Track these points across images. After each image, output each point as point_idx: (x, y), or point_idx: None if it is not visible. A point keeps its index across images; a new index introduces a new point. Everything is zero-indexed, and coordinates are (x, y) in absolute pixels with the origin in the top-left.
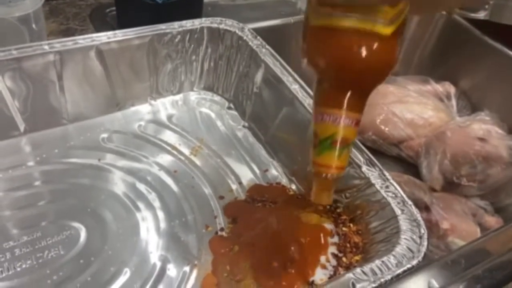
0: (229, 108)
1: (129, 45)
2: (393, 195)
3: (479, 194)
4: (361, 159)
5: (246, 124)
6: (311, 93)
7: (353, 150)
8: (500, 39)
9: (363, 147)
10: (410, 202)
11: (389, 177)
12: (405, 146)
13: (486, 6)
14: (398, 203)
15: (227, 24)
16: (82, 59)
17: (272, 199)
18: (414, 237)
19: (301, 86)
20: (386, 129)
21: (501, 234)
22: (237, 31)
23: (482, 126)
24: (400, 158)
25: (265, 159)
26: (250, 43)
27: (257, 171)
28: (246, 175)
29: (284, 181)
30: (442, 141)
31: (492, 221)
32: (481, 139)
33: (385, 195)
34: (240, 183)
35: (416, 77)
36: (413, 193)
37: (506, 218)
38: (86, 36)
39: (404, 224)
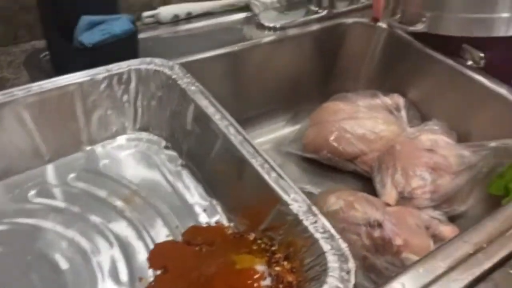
0: (166, 147)
1: (57, 94)
2: (322, 230)
3: (432, 205)
4: (290, 195)
5: (184, 163)
6: (240, 129)
7: (283, 186)
8: (440, 49)
9: (291, 184)
10: (338, 236)
11: (317, 212)
12: (360, 162)
13: (424, 19)
14: (327, 238)
15: (157, 63)
16: (8, 112)
17: (209, 241)
18: (342, 273)
19: (231, 123)
20: (340, 146)
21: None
22: (166, 71)
23: (430, 137)
24: (358, 174)
25: (204, 198)
26: (179, 81)
27: (196, 211)
28: (184, 217)
29: (223, 219)
30: (393, 155)
31: (447, 230)
32: (429, 150)
33: (313, 231)
34: (177, 226)
35: (365, 92)
36: (366, 212)
37: (462, 226)
38: (6, 91)
39: (332, 259)
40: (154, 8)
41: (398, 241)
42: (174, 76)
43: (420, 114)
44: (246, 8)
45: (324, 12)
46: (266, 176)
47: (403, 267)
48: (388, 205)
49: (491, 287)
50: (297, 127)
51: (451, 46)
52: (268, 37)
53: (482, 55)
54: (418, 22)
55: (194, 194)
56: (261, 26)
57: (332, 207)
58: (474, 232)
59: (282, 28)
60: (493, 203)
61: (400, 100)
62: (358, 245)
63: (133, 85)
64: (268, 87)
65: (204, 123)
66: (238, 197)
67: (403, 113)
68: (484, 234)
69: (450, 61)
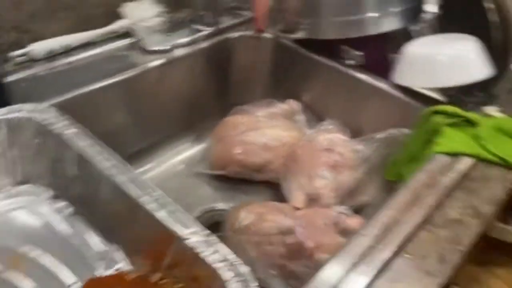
0: (54, 197)
1: None
2: (222, 259)
3: (337, 201)
4: (188, 228)
5: (74, 210)
6: (127, 167)
7: (180, 220)
8: (324, 52)
9: (188, 216)
10: (238, 261)
11: (215, 241)
12: (268, 170)
13: (303, 26)
14: (229, 265)
15: (28, 109)
16: None
17: None
18: None
19: (116, 162)
20: (246, 158)
21: None
22: (38, 116)
23: (327, 137)
24: (268, 182)
25: (101, 245)
26: (54, 126)
27: (94, 261)
28: (81, 271)
29: (125, 264)
30: (295, 160)
31: (354, 222)
32: (327, 150)
33: (213, 262)
34: (75, 283)
35: (262, 102)
36: (276, 221)
37: (368, 215)
38: None
39: (235, 287)
40: (24, 46)
41: (309, 244)
42: (48, 121)
43: (315, 116)
44: (128, 34)
45: (209, 30)
46: (160, 213)
47: (316, 269)
48: (298, 209)
49: (393, 274)
50: (203, 145)
51: (332, 48)
52: (156, 61)
53: (360, 53)
54: (299, 30)
55: (90, 243)
56: (147, 51)
57: (244, 222)
58: (371, 224)
59: (169, 50)
60: (392, 189)
61: (296, 105)
62: (274, 254)
63: (3, 136)
64: (167, 110)
65: (88, 166)
66: (136, 238)
67: (300, 117)
68: (380, 225)
69: (333, 63)
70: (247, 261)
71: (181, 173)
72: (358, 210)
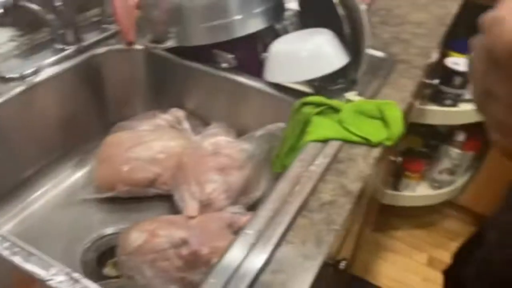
0: None
1: None
2: None
3: (230, 203)
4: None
5: None
6: None
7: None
8: (197, 59)
9: (46, 258)
10: None
11: (78, 277)
12: (159, 184)
13: (171, 35)
14: None
15: None
16: None
17: None
18: None
19: None
20: (134, 175)
21: None
22: None
23: (212, 141)
24: (162, 195)
25: None
26: None
27: None
28: None
29: None
30: (183, 169)
31: (247, 220)
32: (214, 154)
33: None
34: None
35: (143, 116)
36: (169, 234)
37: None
38: None
39: None
40: None
41: (205, 251)
42: None
43: (201, 122)
44: None
45: (73, 48)
46: (14, 258)
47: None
48: (192, 218)
49: (277, 265)
50: (86, 169)
51: (205, 53)
52: (17, 88)
53: (231, 56)
54: (168, 39)
55: None
56: (4, 79)
57: (136, 242)
58: (253, 221)
59: (31, 74)
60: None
61: (180, 113)
62: (171, 269)
63: None
64: (40, 137)
65: None
66: None
67: (185, 124)
68: (261, 220)
69: (208, 68)
70: (145, 282)
71: (66, 202)
72: (252, 207)
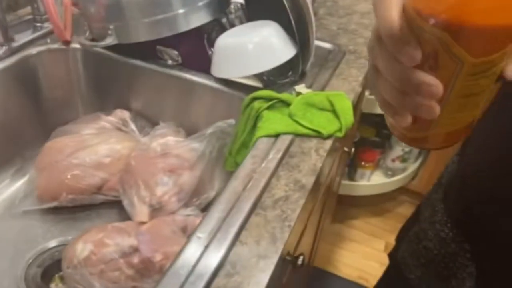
0: None
1: None
2: None
3: (182, 205)
4: None
5: None
6: None
7: None
8: (140, 56)
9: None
10: None
11: None
12: (106, 190)
13: (110, 32)
14: None
15: None
16: None
17: None
18: None
19: None
20: (78, 182)
21: None
22: None
23: (160, 141)
24: (111, 202)
25: None
26: None
27: None
28: None
29: None
30: (131, 172)
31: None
32: (163, 155)
33: None
34: None
35: (86, 118)
36: (118, 243)
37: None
38: None
39: None
40: None
41: (157, 257)
42: None
43: (148, 122)
44: None
45: (3, 49)
46: None
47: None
48: (143, 223)
49: (230, 267)
50: (25, 179)
51: (148, 50)
52: None
53: (176, 52)
54: (107, 36)
55: None
56: None
57: (82, 254)
58: (204, 224)
59: None
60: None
61: (125, 114)
62: (122, 279)
63: None
64: None
65: None
66: None
67: (132, 126)
68: (213, 221)
69: (152, 65)
70: None
71: (5, 215)
72: (207, 208)
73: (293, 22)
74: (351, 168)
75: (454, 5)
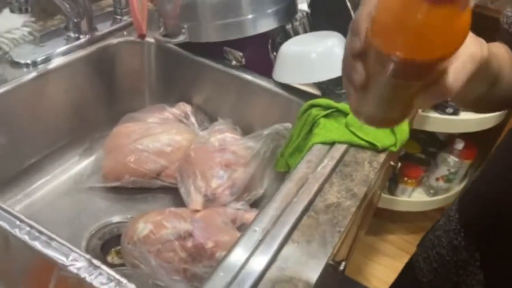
0: None
1: None
2: (107, 281)
3: (234, 198)
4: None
5: None
6: None
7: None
8: (207, 55)
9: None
10: (124, 281)
11: (98, 264)
12: (164, 176)
13: (183, 30)
14: (115, 286)
15: None
16: None
17: None
18: None
19: None
20: (141, 166)
21: None
22: None
23: (218, 137)
24: (167, 187)
25: None
26: None
27: None
28: None
29: None
30: (190, 163)
31: (251, 217)
32: (220, 150)
33: (98, 285)
34: None
35: (152, 108)
36: (175, 226)
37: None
38: None
39: None
40: None
41: (209, 244)
42: None
43: (207, 117)
44: None
45: (86, 37)
46: (35, 243)
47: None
48: (197, 211)
49: (282, 262)
50: (92, 158)
51: (215, 50)
52: (29, 74)
53: (241, 54)
54: (180, 34)
55: None
56: (17, 64)
57: (142, 232)
58: (260, 219)
59: (44, 61)
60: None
61: (187, 108)
62: (176, 260)
63: None
64: (49, 125)
65: None
66: (15, 272)
67: (192, 119)
68: (269, 218)
69: (217, 65)
70: (150, 271)
71: (72, 189)
72: (254, 204)
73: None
74: (393, 182)
75: (396, 49)
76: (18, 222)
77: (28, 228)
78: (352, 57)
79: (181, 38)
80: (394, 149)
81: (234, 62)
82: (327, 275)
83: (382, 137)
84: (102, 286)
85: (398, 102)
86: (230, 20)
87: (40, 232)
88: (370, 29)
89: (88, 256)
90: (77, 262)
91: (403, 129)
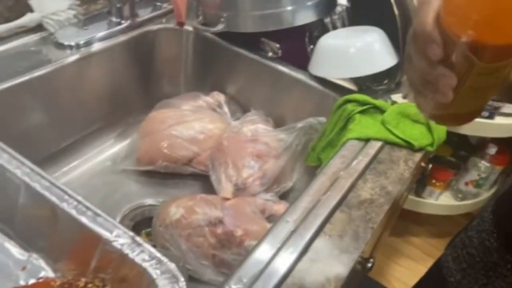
0: None
1: None
2: (149, 258)
3: (263, 189)
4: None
5: None
6: (43, 174)
7: (102, 224)
8: (244, 45)
9: (110, 219)
10: (165, 260)
11: (141, 241)
12: (196, 163)
13: (222, 19)
14: (156, 264)
15: None
16: None
17: None
18: None
19: (31, 169)
20: (174, 152)
21: None
22: None
23: (251, 127)
24: (198, 174)
25: (20, 254)
26: None
27: (14, 272)
28: (3, 283)
29: (48, 272)
30: (222, 151)
31: (280, 208)
32: (252, 140)
33: (140, 261)
34: None
35: (187, 95)
36: (205, 212)
37: (293, 199)
38: None
39: (162, 284)
40: None
41: (239, 232)
42: None
43: (240, 107)
44: (38, 28)
45: (127, 22)
46: (82, 218)
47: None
48: (226, 199)
49: (314, 254)
50: (127, 141)
51: (252, 41)
52: (72, 56)
53: (278, 46)
54: (218, 23)
55: (8, 254)
56: (61, 46)
57: (174, 216)
58: (292, 211)
59: (86, 44)
60: (313, 174)
61: (221, 97)
62: (205, 245)
63: None
64: (87, 107)
65: (0, 175)
66: (59, 245)
67: (225, 108)
68: (301, 209)
69: (253, 55)
70: (179, 254)
71: (107, 170)
72: (283, 196)
73: (400, 31)
74: (421, 184)
75: (471, 28)
76: (66, 197)
77: (75, 203)
78: (433, 66)
79: (220, 27)
80: (430, 148)
81: (270, 54)
82: (355, 271)
83: (419, 136)
84: (144, 263)
85: (485, 91)
86: (269, 11)
87: (87, 208)
88: (454, 24)
89: (131, 233)
90: (120, 239)
91: (440, 129)
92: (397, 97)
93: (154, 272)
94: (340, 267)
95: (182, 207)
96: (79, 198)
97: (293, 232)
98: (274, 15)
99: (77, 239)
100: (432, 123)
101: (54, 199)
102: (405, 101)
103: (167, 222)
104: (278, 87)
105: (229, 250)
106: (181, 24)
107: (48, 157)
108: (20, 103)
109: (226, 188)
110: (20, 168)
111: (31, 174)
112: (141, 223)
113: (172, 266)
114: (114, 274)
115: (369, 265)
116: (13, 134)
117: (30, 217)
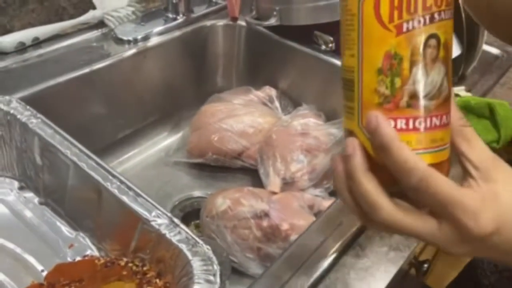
0: (21, 188)
1: None
2: (186, 240)
3: (312, 184)
4: (152, 212)
5: (42, 200)
6: (91, 154)
7: (143, 204)
8: (297, 38)
9: (150, 200)
10: (201, 242)
11: (178, 222)
12: (245, 157)
13: (275, 13)
14: (192, 246)
15: None
16: None
17: (76, 278)
18: (210, 277)
19: (80, 150)
20: (223, 145)
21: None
22: (2, 107)
23: (301, 121)
24: (246, 168)
25: (69, 233)
26: (19, 116)
27: (62, 249)
28: (50, 259)
29: (93, 250)
30: (271, 145)
31: (328, 204)
32: (302, 134)
33: (177, 242)
34: (42, 270)
35: (238, 90)
36: (252, 205)
37: None
38: None
39: (197, 266)
40: None
41: (284, 226)
42: (12, 112)
43: (291, 102)
44: (100, 24)
45: (183, 18)
46: (123, 197)
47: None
48: (274, 193)
49: (360, 250)
50: (180, 134)
51: (305, 34)
52: (130, 50)
53: (331, 38)
54: (271, 17)
55: (58, 232)
56: (120, 41)
57: (221, 207)
58: (339, 202)
59: (143, 39)
60: None
61: (272, 92)
62: (250, 238)
63: None
64: (143, 100)
65: (52, 154)
66: (103, 224)
67: (277, 103)
68: None
69: (306, 49)
70: (225, 246)
71: (159, 162)
72: (333, 193)
73: (464, 21)
74: None
75: None
76: (110, 177)
77: (118, 183)
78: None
79: (272, 21)
80: (495, 145)
81: (323, 47)
82: (407, 273)
83: (482, 131)
84: (180, 244)
85: None
86: (322, 3)
87: (129, 188)
88: None
89: (169, 214)
90: (158, 219)
91: (508, 125)
92: (460, 89)
93: (190, 253)
94: (389, 266)
95: (229, 199)
96: (122, 178)
97: (338, 226)
98: (327, 7)
99: (119, 219)
100: (500, 118)
101: (99, 178)
102: (468, 94)
103: (213, 213)
104: (331, 80)
105: (274, 244)
106: (234, 19)
107: (105, 147)
108: (80, 95)
109: (274, 182)
110: (70, 149)
111: (79, 155)
112: (191, 214)
113: (207, 247)
114: (152, 255)
115: (424, 268)
116: (73, 124)
117: (78, 198)
